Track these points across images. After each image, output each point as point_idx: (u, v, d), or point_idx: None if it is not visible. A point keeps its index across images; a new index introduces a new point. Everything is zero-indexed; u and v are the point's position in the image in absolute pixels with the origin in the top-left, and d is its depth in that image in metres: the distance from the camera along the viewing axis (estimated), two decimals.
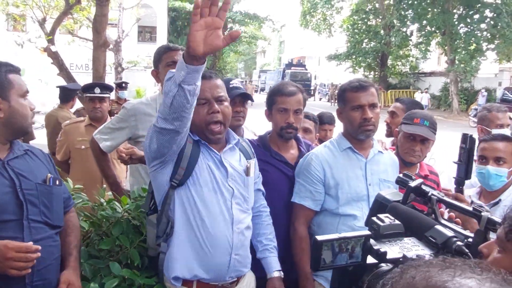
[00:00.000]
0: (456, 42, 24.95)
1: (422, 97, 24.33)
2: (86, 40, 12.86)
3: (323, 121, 3.91)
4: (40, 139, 6.28)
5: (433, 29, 26.03)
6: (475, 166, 2.38)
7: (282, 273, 2.17)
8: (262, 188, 2.27)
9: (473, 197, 2.45)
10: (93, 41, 9.57)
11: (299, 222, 2.31)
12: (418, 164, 2.62)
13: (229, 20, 32.16)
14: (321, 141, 3.82)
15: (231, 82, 2.58)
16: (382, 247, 1.05)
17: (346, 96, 2.31)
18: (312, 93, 38.94)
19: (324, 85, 40.88)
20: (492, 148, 2.35)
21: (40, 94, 18.06)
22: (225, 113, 1.95)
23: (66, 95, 6.03)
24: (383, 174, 2.33)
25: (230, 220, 1.94)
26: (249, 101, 2.67)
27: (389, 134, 3.24)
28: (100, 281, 1.96)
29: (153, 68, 2.78)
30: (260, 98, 35.71)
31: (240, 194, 2.01)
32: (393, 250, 1.07)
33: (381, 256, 1.04)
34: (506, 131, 3.20)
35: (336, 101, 2.44)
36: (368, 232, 1.05)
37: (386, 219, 1.13)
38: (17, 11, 12.90)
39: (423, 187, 1.29)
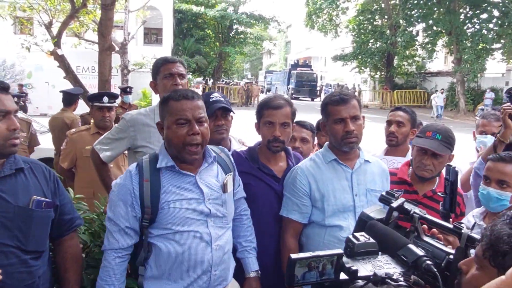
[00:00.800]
0: (462, 42, 24.83)
1: (437, 97, 23.95)
2: (92, 43, 12.96)
3: None
4: (45, 144, 6.38)
5: (439, 29, 25.92)
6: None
7: (260, 273, 2.26)
8: (243, 194, 2.30)
9: (476, 218, 2.39)
10: (98, 44, 9.65)
11: (288, 235, 2.36)
12: (437, 179, 2.54)
13: (234, 21, 32.24)
14: (321, 146, 3.85)
15: (211, 96, 2.63)
16: (355, 265, 1.11)
17: (328, 109, 2.32)
18: (318, 93, 38.94)
19: (330, 86, 40.83)
20: (496, 170, 2.26)
21: (47, 97, 18.23)
22: (204, 134, 1.95)
23: (69, 99, 6.20)
24: (370, 184, 2.34)
25: (208, 239, 1.97)
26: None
27: (395, 143, 3.14)
28: None
29: (152, 80, 2.84)
30: None
31: (218, 212, 2.02)
32: (365, 267, 1.12)
33: (352, 274, 1.09)
34: (488, 137, 3.26)
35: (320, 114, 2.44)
36: (340, 251, 1.11)
37: (361, 237, 1.17)
38: (24, 15, 13.02)
39: (406, 205, 1.32)
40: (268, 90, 48.75)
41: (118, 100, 8.44)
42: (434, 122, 3.11)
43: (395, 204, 1.32)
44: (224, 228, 2.06)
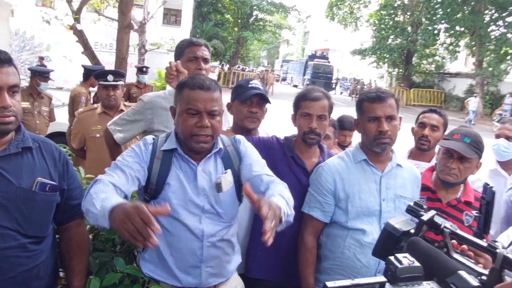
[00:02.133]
0: (485, 45, 24.34)
1: (470, 101, 22.85)
2: (112, 20, 12.93)
3: (343, 126, 3.81)
4: (60, 118, 6.45)
5: (462, 29, 25.42)
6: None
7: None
8: (269, 172, 1.98)
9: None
10: (118, 22, 9.62)
11: (307, 232, 2.26)
12: (462, 187, 2.41)
13: (254, 7, 31.96)
14: (340, 145, 3.76)
15: (250, 82, 2.52)
16: None
17: (363, 106, 2.22)
18: (333, 86, 38.65)
19: (346, 79, 40.53)
20: None
21: (64, 71, 18.27)
22: (215, 128, 1.85)
23: (85, 74, 6.34)
24: (400, 190, 2.22)
25: (200, 234, 1.86)
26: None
27: (427, 148, 2.99)
28: (105, 275, 1.92)
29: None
30: (281, 88, 35.51)
31: (212, 209, 1.90)
32: None
33: None
34: (500, 140, 3.24)
35: (355, 109, 2.33)
36: (383, 279, 0.99)
37: (404, 260, 1.04)
38: None
39: (436, 218, 1.24)
40: (284, 79, 48.54)
41: (134, 79, 8.49)
42: (461, 125, 2.98)
43: (425, 217, 1.22)
44: (222, 225, 1.94)
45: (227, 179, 1.93)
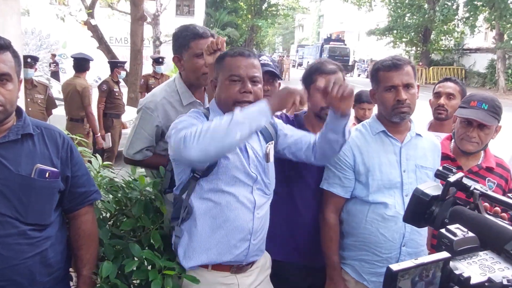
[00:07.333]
0: (506, 17, 23.61)
1: None
2: (125, 14, 12.98)
3: (361, 99, 3.76)
4: None
5: (480, 3, 24.68)
6: None
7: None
8: (297, 132, 2.08)
9: None
10: (131, 14, 9.66)
11: (328, 210, 2.20)
12: (482, 154, 2.36)
13: None
14: (358, 120, 3.71)
15: (260, 58, 2.37)
16: (464, 271, 0.92)
17: (378, 76, 2.12)
18: (350, 68, 38.13)
19: (363, 61, 39.99)
20: None
21: None
22: (257, 95, 1.85)
23: (80, 65, 6.44)
24: (420, 160, 2.15)
25: (251, 206, 1.88)
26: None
27: (444, 117, 2.94)
28: (121, 262, 1.90)
29: (175, 54, 2.44)
30: (297, 73, 35.25)
31: (261, 180, 1.93)
32: (473, 271, 0.93)
33: (464, 283, 0.90)
34: None
35: (370, 81, 2.26)
36: (447, 255, 0.92)
37: (458, 231, 0.99)
38: None
39: (465, 180, 1.19)
40: (300, 64, 48.17)
41: (150, 70, 8.54)
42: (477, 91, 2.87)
43: (452, 178, 1.18)
44: (266, 197, 1.97)
45: (272, 151, 1.98)
